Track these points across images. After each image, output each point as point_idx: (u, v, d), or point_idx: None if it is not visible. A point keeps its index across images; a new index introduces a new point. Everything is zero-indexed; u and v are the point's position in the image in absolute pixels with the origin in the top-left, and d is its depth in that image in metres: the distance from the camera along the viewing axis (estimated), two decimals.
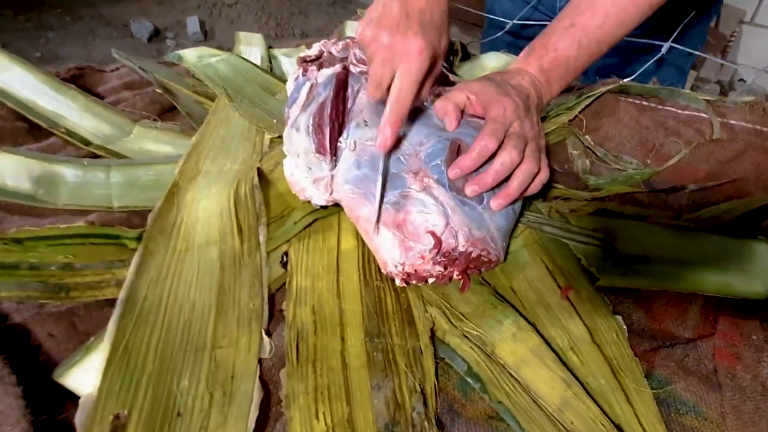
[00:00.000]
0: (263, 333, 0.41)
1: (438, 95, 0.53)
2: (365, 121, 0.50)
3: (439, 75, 0.53)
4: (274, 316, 0.44)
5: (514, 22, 0.87)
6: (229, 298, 0.43)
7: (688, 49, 0.75)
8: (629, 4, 0.54)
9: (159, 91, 0.67)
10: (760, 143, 0.59)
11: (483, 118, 0.50)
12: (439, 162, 0.47)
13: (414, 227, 0.44)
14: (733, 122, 0.60)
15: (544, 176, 0.50)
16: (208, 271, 0.45)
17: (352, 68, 0.55)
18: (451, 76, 0.60)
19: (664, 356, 0.42)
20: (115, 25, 2.61)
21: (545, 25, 0.57)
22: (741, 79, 2.40)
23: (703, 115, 0.63)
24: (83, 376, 0.37)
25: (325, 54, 0.58)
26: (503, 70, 0.56)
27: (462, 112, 0.50)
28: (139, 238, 0.46)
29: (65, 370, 0.37)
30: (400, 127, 0.46)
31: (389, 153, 0.48)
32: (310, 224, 0.52)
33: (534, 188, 0.49)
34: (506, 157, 0.46)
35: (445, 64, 0.57)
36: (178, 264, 0.45)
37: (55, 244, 0.43)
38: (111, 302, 0.40)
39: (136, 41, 2.53)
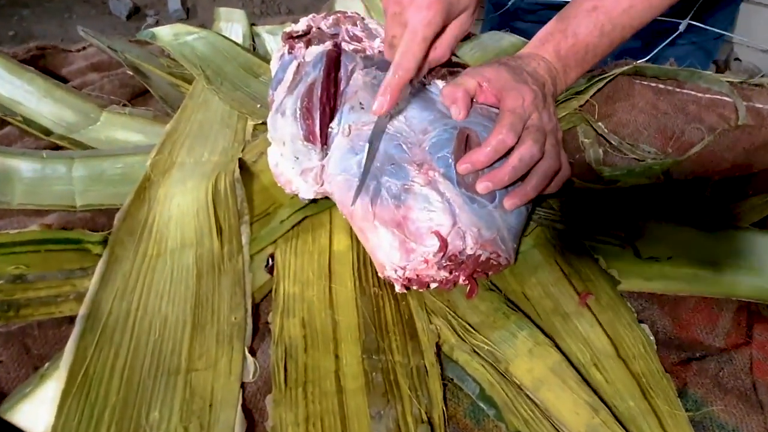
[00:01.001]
0: (246, 352, 0.37)
1: (443, 78, 0.48)
2: (361, 103, 0.45)
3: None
4: (259, 330, 0.40)
5: None
6: (207, 310, 0.39)
7: (717, 30, 0.70)
8: None
9: (130, 72, 0.64)
10: None
11: (494, 106, 0.45)
12: (446, 154, 0.42)
13: (416, 227, 0.39)
14: (760, 106, 0.56)
15: (566, 174, 0.46)
16: (183, 279, 0.41)
17: (344, 45, 0.50)
18: (453, 58, 0.55)
19: (696, 371, 0.38)
20: (93, 2, 2.55)
21: (550, 6, 0.51)
22: (737, 59, 2.36)
23: (727, 99, 0.59)
24: (35, 411, 0.33)
25: (313, 29, 0.53)
26: (516, 55, 0.51)
27: (471, 100, 0.45)
28: (104, 242, 0.42)
29: (14, 404, 0.33)
30: (401, 93, 0.42)
31: (382, 130, 0.43)
32: (298, 222, 0.47)
33: (554, 187, 0.45)
34: (525, 153, 0.41)
35: None
36: (148, 271, 0.41)
37: (4, 253, 0.39)
38: (70, 320, 0.37)
39: (115, 19, 2.45)
